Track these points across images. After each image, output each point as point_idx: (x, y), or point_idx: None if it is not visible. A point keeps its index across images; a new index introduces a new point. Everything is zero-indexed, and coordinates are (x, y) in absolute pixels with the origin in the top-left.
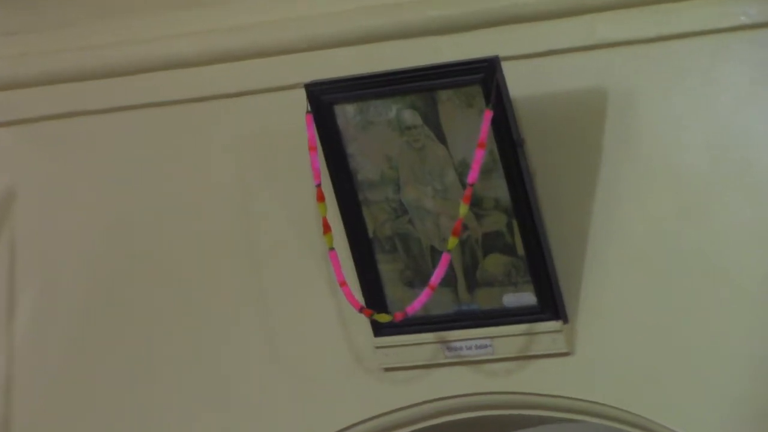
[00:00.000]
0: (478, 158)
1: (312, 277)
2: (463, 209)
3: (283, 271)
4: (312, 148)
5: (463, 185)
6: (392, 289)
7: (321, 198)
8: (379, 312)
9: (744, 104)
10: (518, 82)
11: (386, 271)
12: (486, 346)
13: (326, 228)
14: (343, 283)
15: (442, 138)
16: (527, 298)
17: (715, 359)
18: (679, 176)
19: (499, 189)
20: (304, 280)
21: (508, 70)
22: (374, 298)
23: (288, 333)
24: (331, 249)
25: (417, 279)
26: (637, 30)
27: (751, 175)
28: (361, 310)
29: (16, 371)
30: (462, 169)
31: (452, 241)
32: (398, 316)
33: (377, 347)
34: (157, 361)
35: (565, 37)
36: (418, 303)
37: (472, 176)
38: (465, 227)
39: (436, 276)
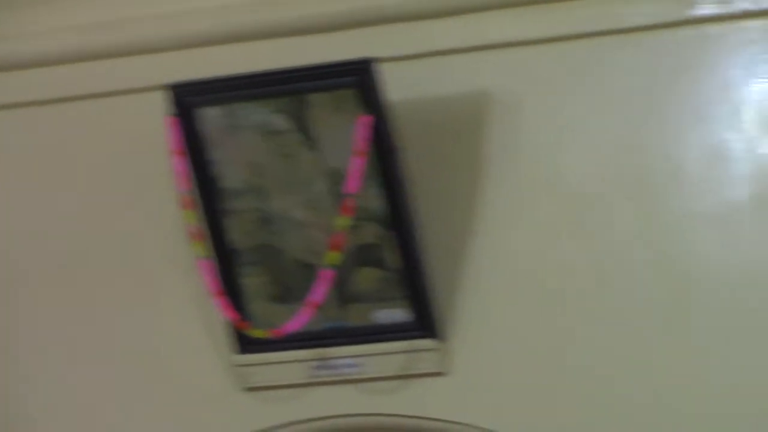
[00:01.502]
0: (355, 167)
1: (164, 289)
2: (344, 221)
3: (137, 280)
4: (177, 153)
5: (335, 195)
6: (256, 304)
7: (188, 205)
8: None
9: (635, 112)
10: (396, 85)
11: (250, 285)
12: (357, 365)
13: (194, 236)
14: (220, 293)
15: (313, 145)
16: (401, 314)
17: (602, 381)
18: (566, 187)
19: (374, 199)
20: (155, 292)
21: (385, 72)
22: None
23: (140, 348)
24: (201, 258)
25: (286, 294)
26: (524, 30)
27: (643, 187)
28: (237, 322)
29: None
30: (335, 178)
31: (332, 256)
32: (276, 333)
33: (239, 365)
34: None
35: (447, 38)
36: (298, 321)
37: (352, 186)
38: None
39: (319, 293)
